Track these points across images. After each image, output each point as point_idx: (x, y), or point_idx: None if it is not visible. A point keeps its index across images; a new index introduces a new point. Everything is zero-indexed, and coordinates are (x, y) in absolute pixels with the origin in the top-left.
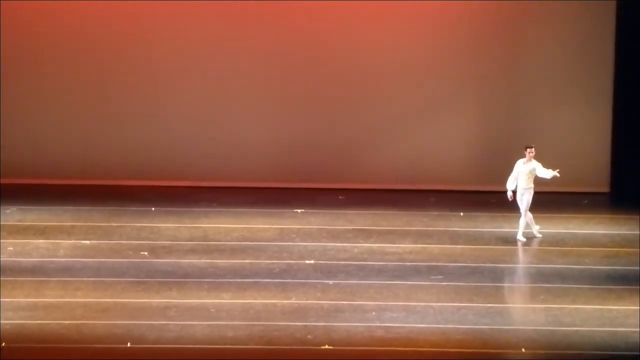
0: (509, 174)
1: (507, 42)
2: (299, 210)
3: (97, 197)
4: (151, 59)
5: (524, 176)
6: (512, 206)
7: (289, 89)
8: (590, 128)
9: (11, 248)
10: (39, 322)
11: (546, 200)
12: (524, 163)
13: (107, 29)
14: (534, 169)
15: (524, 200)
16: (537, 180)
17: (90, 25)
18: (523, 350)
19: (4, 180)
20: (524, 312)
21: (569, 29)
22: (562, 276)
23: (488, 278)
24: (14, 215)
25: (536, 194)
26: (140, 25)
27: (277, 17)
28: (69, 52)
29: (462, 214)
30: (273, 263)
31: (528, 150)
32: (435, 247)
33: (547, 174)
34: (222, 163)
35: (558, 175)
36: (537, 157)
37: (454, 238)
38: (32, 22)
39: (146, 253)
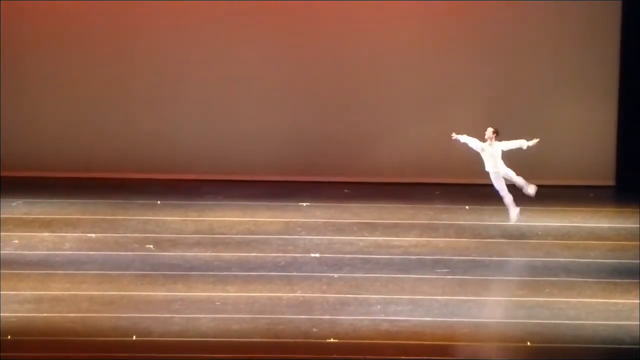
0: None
1: (512, 35)
2: (305, 204)
3: (103, 190)
4: (155, 53)
5: (489, 160)
6: (517, 200)
7: (294, 82)
8: (595, 121)
9: (17, 241)
10: (44, 315)
11: (551, 193)
12: (488, 145)
13: (112, 21)
14: (501, 150)
15: (499, 183)
16: (543, 174)
17: (95, 17)
18: (528, 343)
19: (9, 173)
20: (529, 305)
21: (575, 22)
22: (567, 269)
23: (493, 271)
24: (19, 208)
25: (541, 187)
26: (145, 19)
27: (282, 10)
28: (74, 45)
29: (467, 207)
30: (278, 256)
31: (489, 130)
32: (440, 241)
33: (519, 143)
34: (227, 156)
35: (532, 142)
36: (543, 151)
37: (460, 231)
38: (36, 13)
39: (152, 246)
